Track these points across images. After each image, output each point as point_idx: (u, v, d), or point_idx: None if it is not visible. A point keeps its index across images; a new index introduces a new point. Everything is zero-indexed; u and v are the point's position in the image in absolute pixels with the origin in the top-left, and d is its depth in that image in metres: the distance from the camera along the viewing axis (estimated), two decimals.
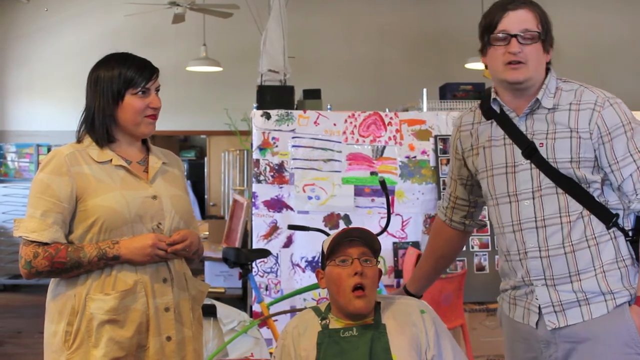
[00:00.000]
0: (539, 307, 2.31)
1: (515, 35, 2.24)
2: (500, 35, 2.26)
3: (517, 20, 2.25)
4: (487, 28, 2.30)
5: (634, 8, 10.49)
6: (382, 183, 4.03)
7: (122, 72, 2.38)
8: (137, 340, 2.33)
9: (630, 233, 2.26)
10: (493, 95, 2.39)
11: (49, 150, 9.87)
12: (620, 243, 2.26)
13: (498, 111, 2.38)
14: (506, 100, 2.35)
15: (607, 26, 10.32)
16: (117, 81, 2.38)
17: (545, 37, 2.28)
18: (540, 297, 2.30)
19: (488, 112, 2.41)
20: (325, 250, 2.44)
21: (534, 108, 2.30)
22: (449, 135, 5.08)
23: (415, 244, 4.97)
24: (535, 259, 2.29)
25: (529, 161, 2.29)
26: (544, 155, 2.26)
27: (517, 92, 2.31)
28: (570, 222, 2.24)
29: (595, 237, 2.24)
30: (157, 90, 2.46)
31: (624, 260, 2.25)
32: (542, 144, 2.27)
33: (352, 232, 2.41)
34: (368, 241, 2.42)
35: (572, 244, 2.25)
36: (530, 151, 2.29)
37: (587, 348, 2.24)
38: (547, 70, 2.33)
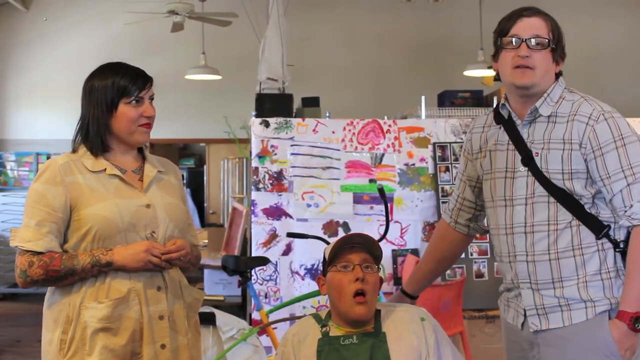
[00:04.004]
0: (524, 310, 2.37)
1: (525, 40, 2.31)
2: (511, 39, 2.34)
3: (529, 26, 2.33)
4: (500, 32, 2.39)
5: (633, 15, 10.53)
6: (381, 190, 4.03)
7: (116, 82, 2.39)
8: (131, 348, 2.33)
9: (621, 245, 2.29)
10: (502, 101, 2.46)
11: (48, 158, 9.87)
12: (607, 255, 2.30)
13: (506, 117, 2.44)
14: (514, 107, 2.42)
15: (607, 33, 10.35)
16: (111, 90, 2.39)
17: (555, 46, 2.34)
18: (525, 299, 2.37)
19: (497, 117, 2.48)
20: (326, 256, 2.45)
21: (535, 116, 2.36)
22: (448, 143, 5.09)
23: (415, 251, 4.97)
24: (522, 262, 2.36)
25: (526, 168, 2.35)
26: (538, 165, 2.32)
27: (524, 97, 2.37)
28: (557, 230, 2.30)
29: (581, 247, 2.29)
30: (152, 99, 2.47)
31: (608, 272, 2.29)
32: (537, 153, 2.33)
33: (354, 239, 2.43)
34: (369, 248, 2.44)
35: (557, 252, 2.30)
36: (528, 159, 2.35)
37: (566, 352, 2.29)
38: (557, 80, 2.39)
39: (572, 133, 2.29)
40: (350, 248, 2.42)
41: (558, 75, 2.39)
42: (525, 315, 2.37)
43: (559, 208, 2.29)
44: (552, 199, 2.30)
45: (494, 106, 2.54)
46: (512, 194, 2.38)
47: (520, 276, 2.37)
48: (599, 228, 2.28)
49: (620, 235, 2.29)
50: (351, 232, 4.75)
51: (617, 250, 2.29)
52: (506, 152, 2.42)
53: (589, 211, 2.29)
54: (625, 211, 2.25)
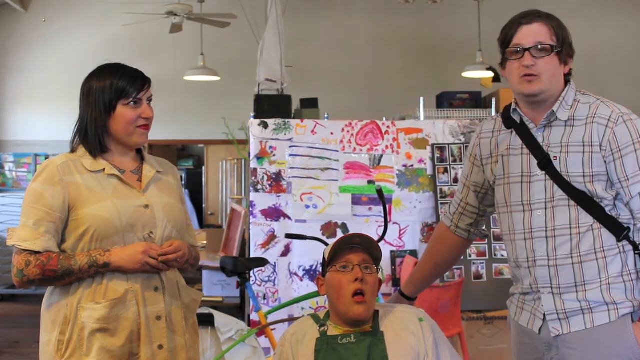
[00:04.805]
0: (544, 314, 2.35)
1: (529, 49, 2.30)
2: (514, 49, 2.32)
3: (530, 34, 2.31)
4: (503, 42, 2.37)
5: (628, 16, 10.55)
6: (380, 192, 4.03)
7: (114, 83, 2.39)
8: (129, 349, 2.33)
9: None
10: (513, 106, 2.44)
11: (46, 159, 9.85)
12: (628, 257, 2.29)
13: (518, 121, 2.42)
14: (525, 112, 2.41)
15: (603, 35, 10.37)
16: (109, 92, 2.39)
17: (561, 48, 2.32)
18: (546, 304, 2.35)
19: (508, 122, 2.46)
20: (326, 257, 2.45)
21: (551, 120, 2.35)
22: (446, 144, 5.09)
23: (413, 253, 4.97)
24: (543, 267, 2.34)
25: (544, 172, 2.34)
26: (558, 168, 2.30)
27: (535, 104, 2.36)
28: (579, 233, 2.28)
29: (603, 250, 2.28)
30: (150, 100, 2.46)
31: (630, 274, 2.28)
32: (556, 157, 2.31)
33: (354, 239, 2.43)
34: (369, 248, 2.44)
35: (580, 255, 2.28)
36: (545, 163, 2.33)
37: (588, 354, 2.28)
38: (567, 82, 2.38)
39: (592, 135, 2.28)
40: (350, 248, 2.43)
41: (568, 75, 2.38)
42: (544, 319, 2.35)
43: (580, 211, 2.28)
44: (572, 202, 2.28)
45: (501, 111, 2.52)
46: (529, 198, 2.36)
47: (540, 281, 2.34)
48: (619, 230, 2.27)
49: (639, 238, 2.28)
50: (350, 232, 4.75)
51: (636, 252, 2.28)
52: (521, 157, 2.40)
53: (609, 213, 2.27)
54: None
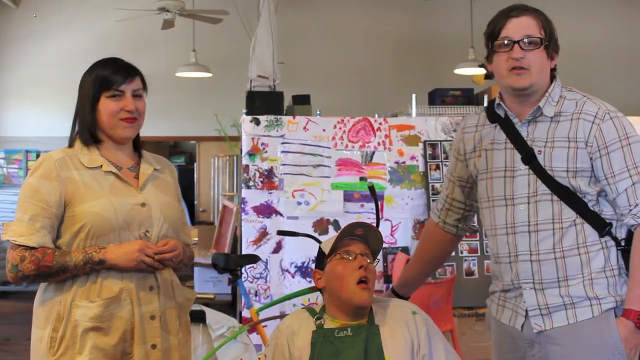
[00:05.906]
0: (526, 310, 2.35)
1: (517, 42, 2.29)
2: (503, 41, 2.32)
3: (519, 27, 2.31)
4: (491, 35, 2.36)
5: (618, 14, 10.58)
6: (371, 188, 4.01)
7: (98, 75, 2.38)
8: (122, 348, 2.32)
9: (622, 242, 2.29)
10: (497, 101, 2.44)
11: (37, 156, 9.82)
12: (611, 252, 2.29)
13: (502, 116, 2.42)
14: (510, 106, 2.40)
15: (592, 33, 10.39)
16: (93, 84, 2.38)
17: (548, 43, 2.32)
18: (528, 300, 2.34)
19: (492, 116, 2.45)
20: (324, 250, 2.47)
21: (536, 115, 2.35)
22: (438, 141, 5.10)
23: (405, 249, 4.97)
24: (525, 262, 2.33)
25: (527, 167, 2.34)
26: (541, 163, 2.31)
27: (522, 97, 2.36)
28: (562, 228, 2.29)
29: (586, 246, 2.28)
30: (139, 94, 2.43)
31: (612, 269, 2.29)
32: (540, 151, 2.32)
33: (356, 230, 2.45)
34: (369, 240, 2.47)
35: (562, 250, 2.29)
36: (529, 157, 2.33)
37: (571, 350, 2.28)
38: (553, 77, 2.38)
39: (577, 131, 2.28)
40: (351, 239, 2.45)
41: (553, 70, 2.38)
42: (526, 315, 2.35)
43: (563, 206, 2.28)
44: (555, 197, 2.29)
45: (485, 105, 2.53)
46: (512, 192, 2.35)
47: (522, 276, 2.34)
48: (602, 226, 2.28)
49: (621, 234, 2.29)
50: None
51: (618, 248, 2.29)
52: (504, 151, 2.39)
53: (592, 209, 2.28)
54: (630, 210, 2.25)
